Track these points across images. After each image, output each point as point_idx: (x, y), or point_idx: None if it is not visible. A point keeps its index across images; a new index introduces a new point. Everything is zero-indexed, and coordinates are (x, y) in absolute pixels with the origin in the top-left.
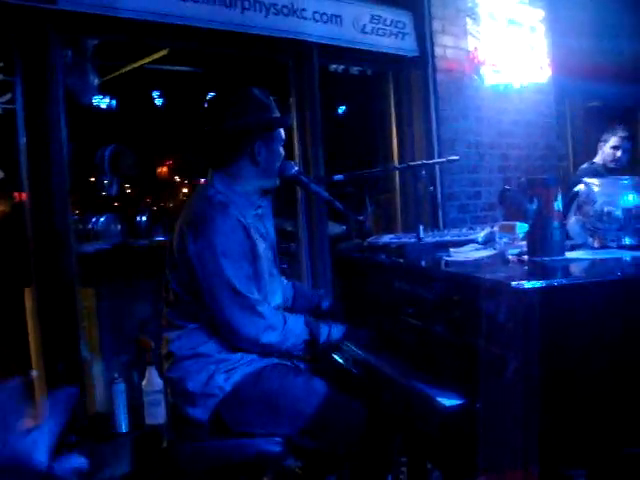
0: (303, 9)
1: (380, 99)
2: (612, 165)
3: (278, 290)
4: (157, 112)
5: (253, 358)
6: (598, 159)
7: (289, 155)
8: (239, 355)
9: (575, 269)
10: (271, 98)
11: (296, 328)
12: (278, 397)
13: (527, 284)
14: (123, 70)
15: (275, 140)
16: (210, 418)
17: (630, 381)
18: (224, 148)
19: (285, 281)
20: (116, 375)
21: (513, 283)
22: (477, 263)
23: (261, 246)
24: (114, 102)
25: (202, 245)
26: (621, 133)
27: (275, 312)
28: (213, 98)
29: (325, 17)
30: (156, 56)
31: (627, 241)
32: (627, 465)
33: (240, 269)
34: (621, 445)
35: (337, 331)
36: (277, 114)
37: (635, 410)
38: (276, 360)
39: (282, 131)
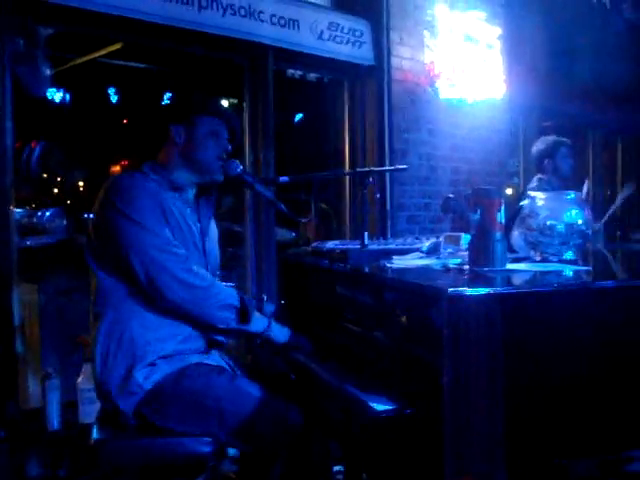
0: (261, 11)
1: (334, 106)
2: (566, 176)
3: None
4: (111, 109)
5: (173, 354)
6: (545, 176)
7: (240, 158)
8: (158, 346)
9: (514, 280)
10: (218, 101)
11: (227, 289)
12: (201, 395)
13: (466, 291)
14: (76, 62)
15: (198, 128)
16: (133, 415)
17: (559, 390)
18: (148, 132)
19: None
20: (51, 370)
21: (450, 290)
22: (417, 270)
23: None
24: (67, 96)
25: (112, 201)
26: (567, 143)
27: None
28: None
29: (282, 21)
30: (111, 49)
31: (568, 255)
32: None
33: (159, 225)
34: (550, 456)
35: (280, 332)
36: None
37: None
38: (197, 359)
39: (217, 126)
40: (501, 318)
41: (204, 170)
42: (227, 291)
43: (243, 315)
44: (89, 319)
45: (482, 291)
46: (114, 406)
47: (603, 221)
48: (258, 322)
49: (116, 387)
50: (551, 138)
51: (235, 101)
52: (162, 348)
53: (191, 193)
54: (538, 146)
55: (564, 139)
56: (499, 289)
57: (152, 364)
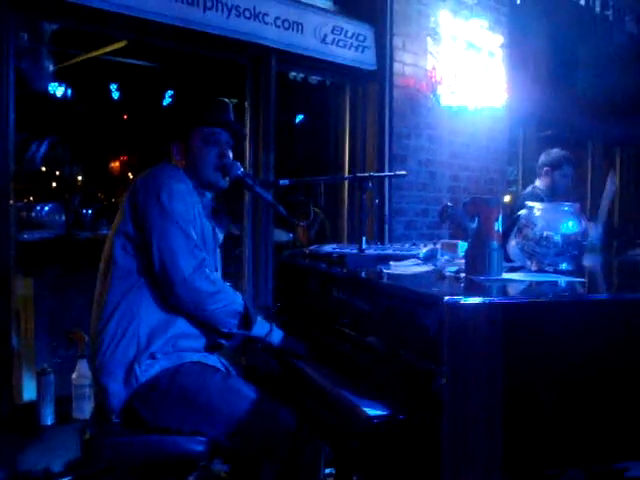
0: (265, 14)
1: (336, 110)
2: (559, 193)
3: None
4: (112, 106)
5: (173, 351)
6: (540, 184)
7: (240, 159)
8: (162, 341)
9: (509, 289)
10: (214, 107)
11: (234, 295)
12: (192, 393)
13: (461, 299)
14: (80, 59)
15: (193, 140)
16: (126, 409)
17: (552, 400)
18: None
19: None
20: (45, 366)
21: (446, 298)
22: (413, 277)
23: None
24: (69, 91)
25: (152, 190)
26: (572, 162)
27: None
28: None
29: (287, 24)
30: (115, 46)
31: (564, 266)
32: None
33: (187, 222)
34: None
35: (279, 337)
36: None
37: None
38: (196, 357)
39: (210, 134)
40: (495, 327)
41: (205, 183)
42: (233, 298)
43: (246, 321)
44: (90, 312)
45: (477, 300)
46: (109, 399)
47: (600, 223)
48: (260, 326)
49: (116, 378)
50: (560, 152)
51: (237, 101)
52: (165, 343)
53: (207, 199)
54: (546, 155)
55: (572, 158)
56: (494, 299)
57: (153, 357)
